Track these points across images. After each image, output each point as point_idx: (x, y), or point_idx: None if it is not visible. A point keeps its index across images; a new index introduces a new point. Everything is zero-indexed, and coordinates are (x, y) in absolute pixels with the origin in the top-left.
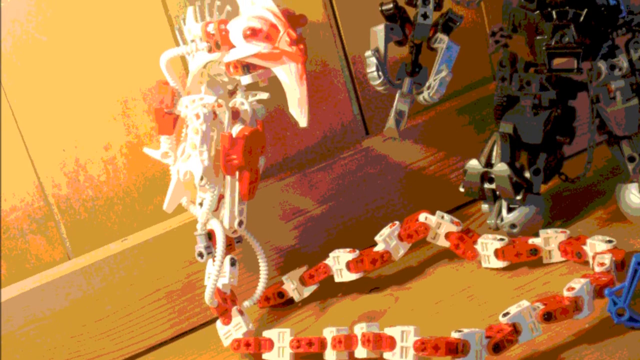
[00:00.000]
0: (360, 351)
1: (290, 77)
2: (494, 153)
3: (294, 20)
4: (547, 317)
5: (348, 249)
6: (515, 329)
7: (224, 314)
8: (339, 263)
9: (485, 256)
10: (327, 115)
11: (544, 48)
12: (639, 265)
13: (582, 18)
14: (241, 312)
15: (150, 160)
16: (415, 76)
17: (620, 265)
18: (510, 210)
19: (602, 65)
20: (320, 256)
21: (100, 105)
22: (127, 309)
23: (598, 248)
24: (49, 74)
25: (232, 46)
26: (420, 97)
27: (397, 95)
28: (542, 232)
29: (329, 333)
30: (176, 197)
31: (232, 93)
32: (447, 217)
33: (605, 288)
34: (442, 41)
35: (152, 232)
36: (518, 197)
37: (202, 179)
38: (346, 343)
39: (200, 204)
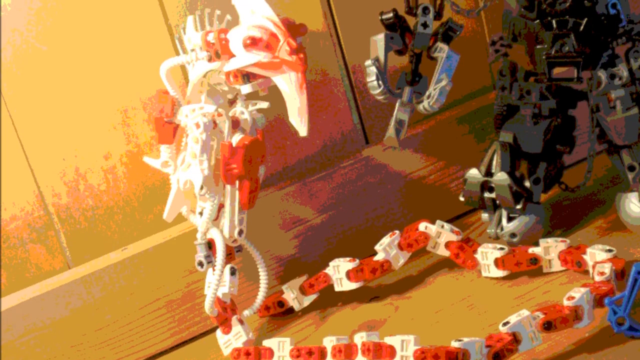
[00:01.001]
0: None
1: (290, 86)
2: (494, 162)
3: (294, 29)
4: (547, 326)
5: (348, 258)
6: (515, 338)
7: (224, 323)
8: (339, 272)
9: (485, 265)
10: (327, 124)
11: (544, 57)
12: (639, 275)
13: (582, 27)
14: (241, 321)
15: (150, 170)
16: (415, 85)
17: (620, 275)
18: (510, 219)
19: (602, 74)
20: (320, 265)
21: (100, 115)
22: (127, 318)
23: (598, 257)
24: (49, 83)
25: (232, 55)
26: (420, 106)
27: (397, 105)
28: (542, 241)
29: (329, 342)
30: (176, 206)
31: (232, 102)
32: (447, 226)
33: (605, 297)
34: (442, 50)
35: (152, 241)
36: (518, 207)
37: (202, 188)
38: (346, 352)
39: (200, 213)
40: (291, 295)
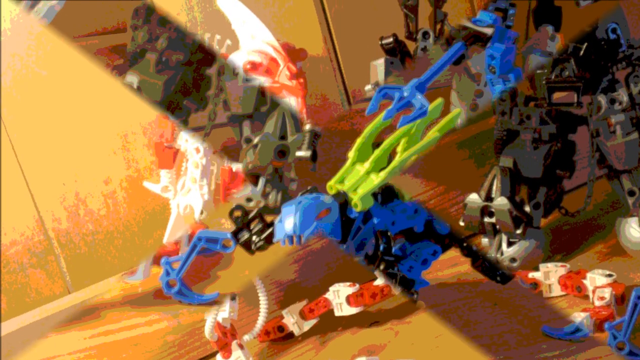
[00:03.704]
0: None
1: None
2: (494, 187)
3: (294, 54)
4: None
5: (348, 283)
6: None
7: (224, 347)
8: (339, 297)
9: None
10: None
11: (544, 82)
12: (639, 299)
13: (582, 52)
14: (241, 346)
15: (151, 194)
16: None
17: (620, 299)
18: (510, 244)
19: (602, 99)
20: (321, 290)
21: (100, 139)
22: None
23: (598, 282)
24: (48, 108)
25: None
26: None
27: None
28: (542, 266)
29: None
30: (176, 231)
31: None
32: None
33: (605, 322)
34: None
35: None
36: (518, 231)
37: (202, 212)
38: None
39: None
40: (291, 320)
